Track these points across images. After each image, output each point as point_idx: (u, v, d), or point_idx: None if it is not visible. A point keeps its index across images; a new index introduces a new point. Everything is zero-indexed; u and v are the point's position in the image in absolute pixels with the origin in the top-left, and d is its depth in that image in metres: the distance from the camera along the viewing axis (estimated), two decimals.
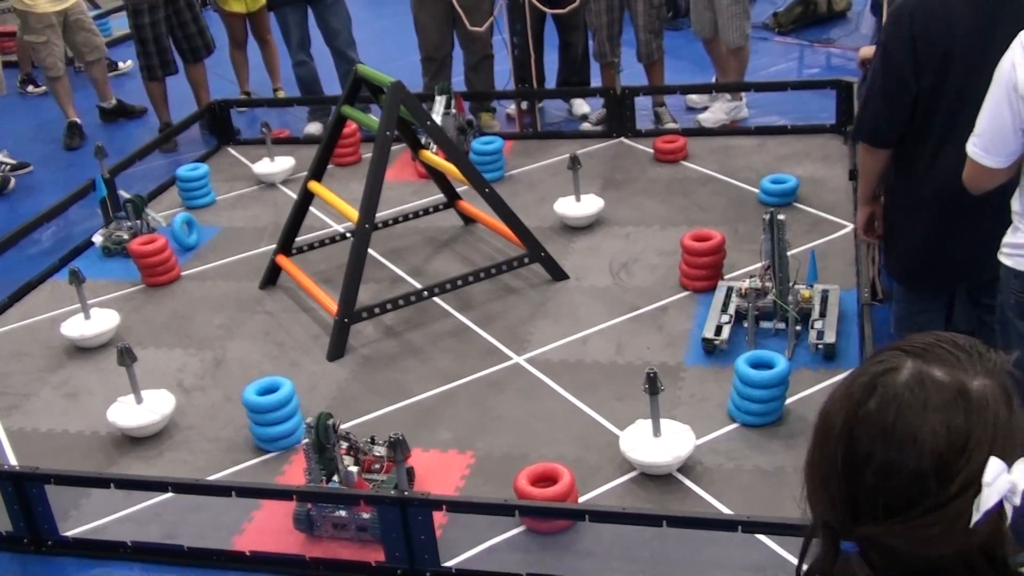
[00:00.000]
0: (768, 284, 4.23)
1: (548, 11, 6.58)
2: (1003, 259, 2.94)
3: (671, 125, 6.61)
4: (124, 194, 5.73)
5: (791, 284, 4.22)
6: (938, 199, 3.34)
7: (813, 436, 1.30)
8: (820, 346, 4.08)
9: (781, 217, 4.14)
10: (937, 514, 1.17)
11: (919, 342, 1.28)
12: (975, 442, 1.18)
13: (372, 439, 3.66)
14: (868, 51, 4.94)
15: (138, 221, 5.62)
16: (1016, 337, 2.98)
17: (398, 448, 3.26)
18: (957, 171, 2.96)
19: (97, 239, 5.68)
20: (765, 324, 4.26)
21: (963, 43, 3.18)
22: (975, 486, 1.16)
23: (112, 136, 7.65)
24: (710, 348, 4.20)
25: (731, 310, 4.34)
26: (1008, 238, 2.92)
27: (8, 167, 7.20)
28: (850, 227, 4.97)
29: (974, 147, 2.79)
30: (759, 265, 4.32)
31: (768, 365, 3.78)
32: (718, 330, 4.24)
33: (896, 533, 1.19)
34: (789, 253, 4.24)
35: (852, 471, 1.22)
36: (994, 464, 1.16)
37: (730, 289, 4.45)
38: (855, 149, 5.30)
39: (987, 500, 1.15)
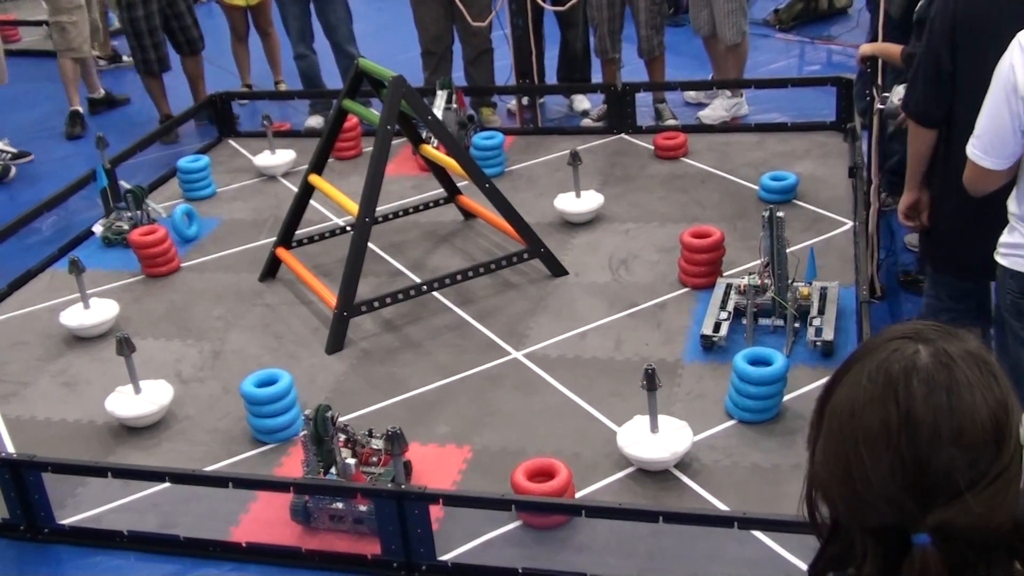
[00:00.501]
0: (767, 281, 4.23)
1: (547, 7, 6.58)
2: (999, 259, 2.94)
3: (671, 122, 6.61)
4: (125, 184, 5.73)
5: (790, 281, 4.23)
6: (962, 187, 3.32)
7: (844, 449, 1.27)
8: (818, 343, 4.08)
9: (780, 214, 4.13)
10: (1002, 479, 1.21)
11: (907, 330, 1.31)
12: (1011, 402, 1.25)
13: (370, 432, 3.66)
14: (868, 48, 4.93)
15: (138, 212, 5.62)
16: (1012, 338, 2.98)
17: (395, 441, 3.27)
18: None
19: (97, 229, 5.68)
20: (764, 321, 4.27)
21: (1005, 28, 3.13)
22: (1016, 443, 1.22)
23: (104, 125, 7.64)
24: (708, 345, 4.20)
25: (730, 307, 4.34)
26: (1005, 238, 2.92)
27: (9, 156, 7.19)
28: (849, 224, 4.97)
29: (974, 148, 2.78)
30: (758, 262, 4.32)
31: (766, 362, 3.78)
32: (716, 327, 4.25)
33: (969, 510, 1.20)
34: (788, 250, 4.23)
35: (922, 460, 1.21)
36: None
37: (729, 286, 4.45)
38: (855, 146, 5.31)
39: None
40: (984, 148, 2.76)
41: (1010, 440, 1.22)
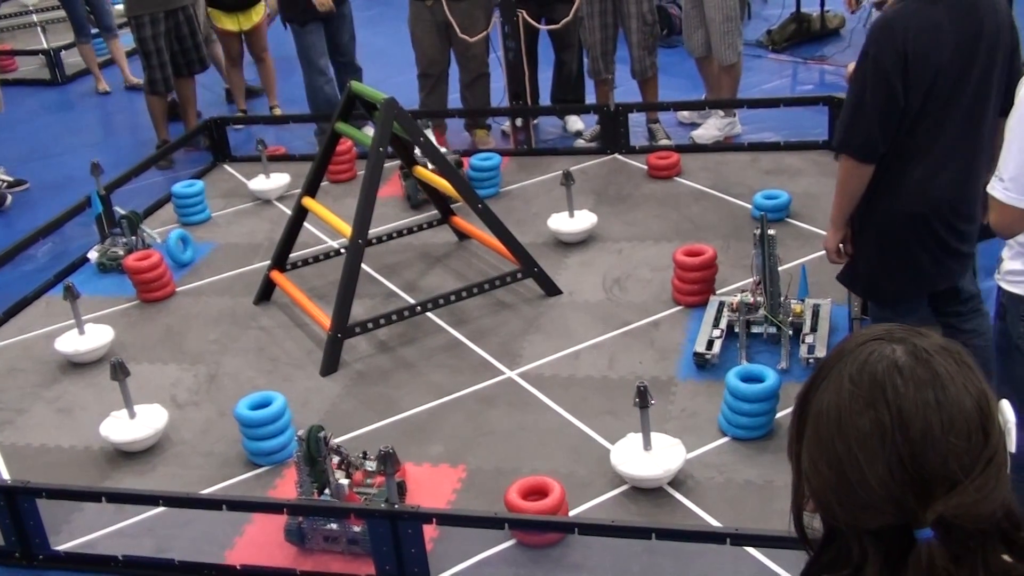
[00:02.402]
0: (759, 299, 4.24)
1: (541, 27, 6.62)
2: (1008, 287, 2.89)
3: (665, 142, 6.64)
4: (120, 210, 5.75)
5: (782, 298, 4.23)
6: (909, 215, 3.36)
7: (836, 453, 1.27)
8: (811, 360, 4.08)
9: (772, 232, 4.11)
10: (993, 464, 1.24)
11: (876, 332, 1.33)
12: (988, 390, 1.27)
13: (364, 454, 3.67)
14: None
15: (133, 237, 5.64)
16: (1022, 366, 2.91)
17: (388, 461, 3.27)
18: (930, 187, 3.00)
19: (92, 255, 5.70)
20: (756, 329, 4.25)
21: (948, 62, 3.19)
22: (1000, 429, 1.26)
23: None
24: (701, 362, 4.21)
25: (722, 324, 4.35)
26: (1012, 265, 2.89)
27: (5, 184, 7.22)
28: None
29: (1007, 192, 2.66)
30: (751, 280, 4.33)
31: (758, 379, 3.79)
32: (709, 344, 4.25)
33: (967, 498, 1.22)
34: (780, 268, 4.24)
35: (918, 456, 1.23)
36: (1005, 403, 1.28)
37: (722, 304, 4.45)
38: None
39: (1013, 436, 1.26)
40: (1021, 189, 2.70)
41: (994, 426, 1.26)
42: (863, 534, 1.28)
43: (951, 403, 1.24)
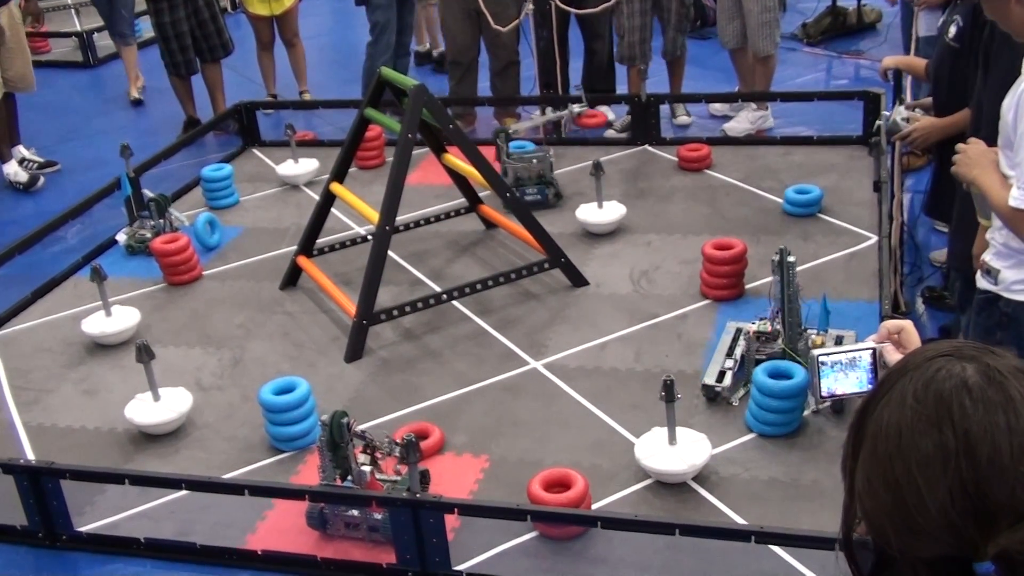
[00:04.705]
0: (777, 328, 3.95)
1: (574, 11, 6.58)
2: (1012, 296, 2.87)
3: (683, 119, 6.67)
4: (148, 193, 5.76)
5: (802, 330, 3.93)
6: None
7: (895, 475, 1.20)
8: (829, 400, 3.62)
9: (791, 259, 3.85)
10: None
11: (945, 348, 1.25)
12: None
13: (392, 440, 3.64)
14: (891, 61, 4.90)
15: (161, 220, 5.64)
16: None
17: (410, 450, 3.25)
18: None
19: (121, 238, 5.71)
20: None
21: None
22: None
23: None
24: (711, 395, 3.93)
25: (737, 354, 4.04)
26: (1012, 275, 2.86)
27: (36, 165, 7.25)
28: (874, 239, 4.92)
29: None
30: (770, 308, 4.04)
31: (787, 375, 3.74)
32: (720, 376, 3.98)
33: None
34: (801, 297, 3.91)
35: (983, 484, 1.16)
36: None
37: (739, 331, 4.16)
38: (879, 160, 5.27)
39: None
40: None
41: None
42: (917, 563, 1.21)
43: (1023, 430, 1.16)
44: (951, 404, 1.18)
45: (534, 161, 5.73)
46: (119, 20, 8.58)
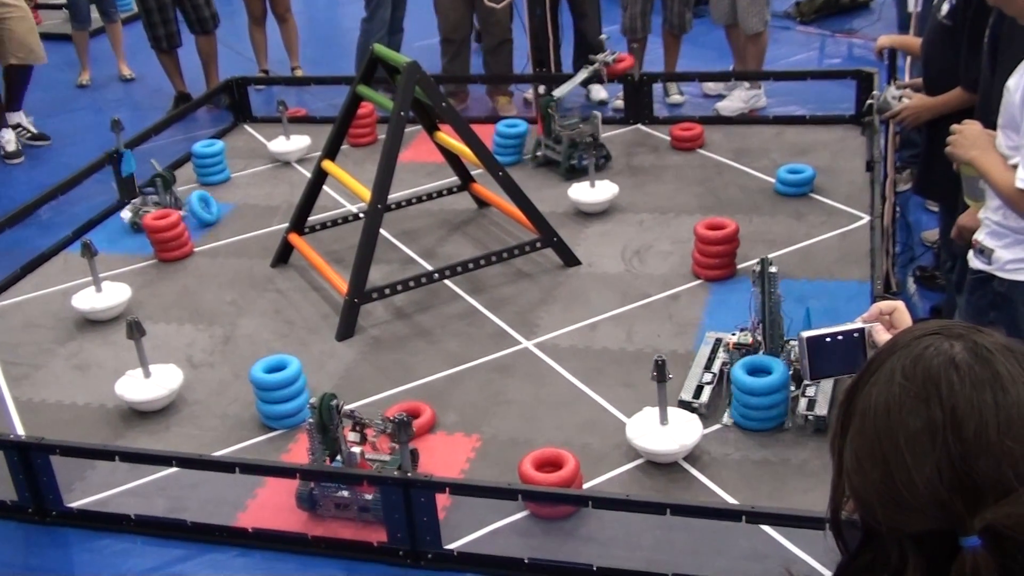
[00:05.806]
0: (759, 339, 3.81)
1: None
2: (1006, 275, 2.87)
3: (676, 97, 6.64)
4: (156, 167, 5.72)
5: (784, 341, 3.79)
6: None
7: (883, 451, 1.21)
8: (810, 417, 3.63)
9: (773, 269, 3.69)
10: None
11: (933, 326, 1.26)
12: None
13: (386, 418, 3.63)
14: (886, 40, 4.88)
15: (167, 197, 5.62)
16: None
17: (402, 429, 3.25)
18: None
19: (125, 215, 5.67)
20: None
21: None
22: None
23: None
24: (688, 411, 3.73)
25: (715, 368, 3.90)
26: (1006, 254, 2.86)
27: (28, 135, 7.22)
28: (866, 219, 4.92)
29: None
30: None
31: (765, 371, 3.66)
32: (698, 391, 3.84)
33: (1020, 508, 1.15)
34: (782, 308, 3.76)
35: (971, 459, 1.16)
36: None
37: (718, 341, 4.03)
38: (872, 140, 5.26)
39: None
40: None
41: None
42: (904, 538, 1.22)
43: (1010, 405, 1.17)
44: (939, 381, 1.19)
45: (583, 125, 5.73)
46: None
